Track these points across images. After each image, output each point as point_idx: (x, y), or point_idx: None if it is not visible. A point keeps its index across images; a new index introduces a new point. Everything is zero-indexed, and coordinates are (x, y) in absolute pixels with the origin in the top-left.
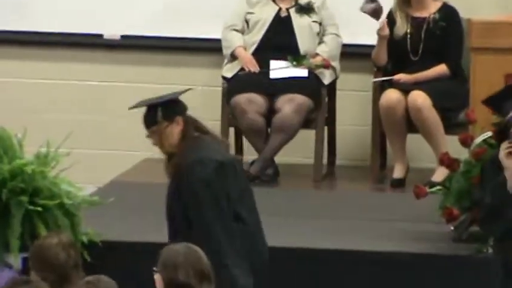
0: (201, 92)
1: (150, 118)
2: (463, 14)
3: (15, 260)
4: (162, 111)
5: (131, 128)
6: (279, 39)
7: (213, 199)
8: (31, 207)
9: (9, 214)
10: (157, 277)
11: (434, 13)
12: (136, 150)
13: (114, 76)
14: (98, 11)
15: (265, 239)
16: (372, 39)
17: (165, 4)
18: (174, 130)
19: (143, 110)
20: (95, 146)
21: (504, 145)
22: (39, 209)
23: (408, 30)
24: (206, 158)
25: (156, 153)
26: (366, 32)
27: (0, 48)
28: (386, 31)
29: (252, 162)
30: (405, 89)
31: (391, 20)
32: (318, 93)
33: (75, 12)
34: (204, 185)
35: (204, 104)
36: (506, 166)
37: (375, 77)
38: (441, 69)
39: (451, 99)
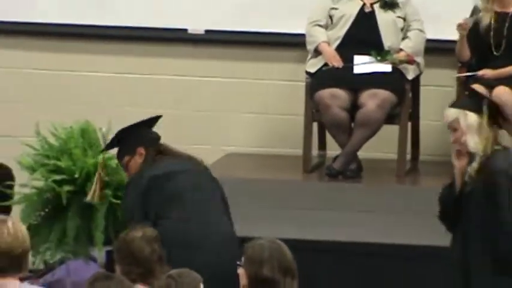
0: (285, 87)
1: (117, 155)
2: None
3: (100, 253)
4: (121, 147)
5: (214, 122)
6: (362, 35)
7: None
8: (115, 200)
9: (93, 208)
10: (241, 271)
11: None
12: (218, 144)
13: (199, 71)
14: (182, 6)
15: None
16: (456, 35)
17: None
18: (137, 161)
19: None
20: (177, 141)
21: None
22: None
23: (492, 25)
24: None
25: (240, 147)
26: (450, 27)
27: (85, 43)
28: (467, 28)
29: (335, 157)
30: (489, 84)
31: (476, 15)
32: (402, 88)
33: (159, 7)
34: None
35: (288, 99)
36: (454, 165)
37: (459, 73)
38: None
39: None
